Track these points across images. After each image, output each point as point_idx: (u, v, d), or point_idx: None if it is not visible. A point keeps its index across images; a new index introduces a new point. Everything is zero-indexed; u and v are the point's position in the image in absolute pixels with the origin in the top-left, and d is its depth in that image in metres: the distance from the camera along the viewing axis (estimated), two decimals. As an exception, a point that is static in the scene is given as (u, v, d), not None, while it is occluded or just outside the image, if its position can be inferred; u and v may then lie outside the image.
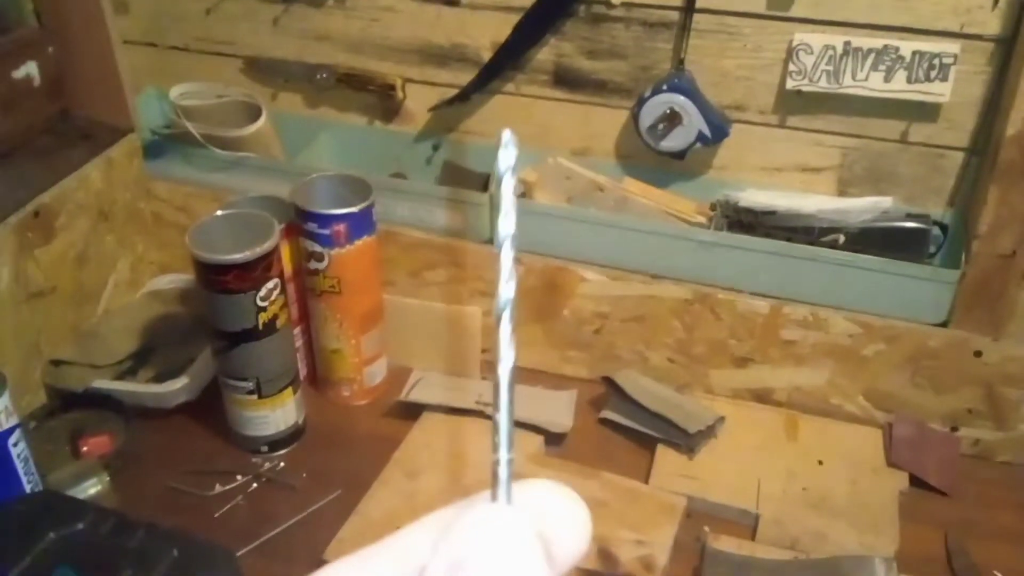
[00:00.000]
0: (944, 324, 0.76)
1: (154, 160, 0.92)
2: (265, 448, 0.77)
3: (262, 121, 0.90)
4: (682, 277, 0.81)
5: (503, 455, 0.19)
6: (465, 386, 0.83)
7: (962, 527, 0.71)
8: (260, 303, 0.72)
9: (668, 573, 0.66)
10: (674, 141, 0.81)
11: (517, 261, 0.21)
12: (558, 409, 0.80)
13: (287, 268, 0.79)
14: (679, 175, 0.85)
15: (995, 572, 0.66)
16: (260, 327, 0.72)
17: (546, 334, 0.86)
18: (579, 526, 0.19)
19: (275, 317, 0.73)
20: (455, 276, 0.86)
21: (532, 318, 0.86)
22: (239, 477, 0.74)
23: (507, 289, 0.20)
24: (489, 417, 0.78)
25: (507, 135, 0.20)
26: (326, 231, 0.76)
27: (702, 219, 0.83)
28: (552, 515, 0.19)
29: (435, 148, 0.92)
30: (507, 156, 0.20)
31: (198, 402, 0.80)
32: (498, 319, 0.20)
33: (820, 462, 0.75)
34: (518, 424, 0.77)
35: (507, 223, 0.20)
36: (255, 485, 0.74)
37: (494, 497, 0.19)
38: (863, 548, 0.66)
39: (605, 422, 0.80)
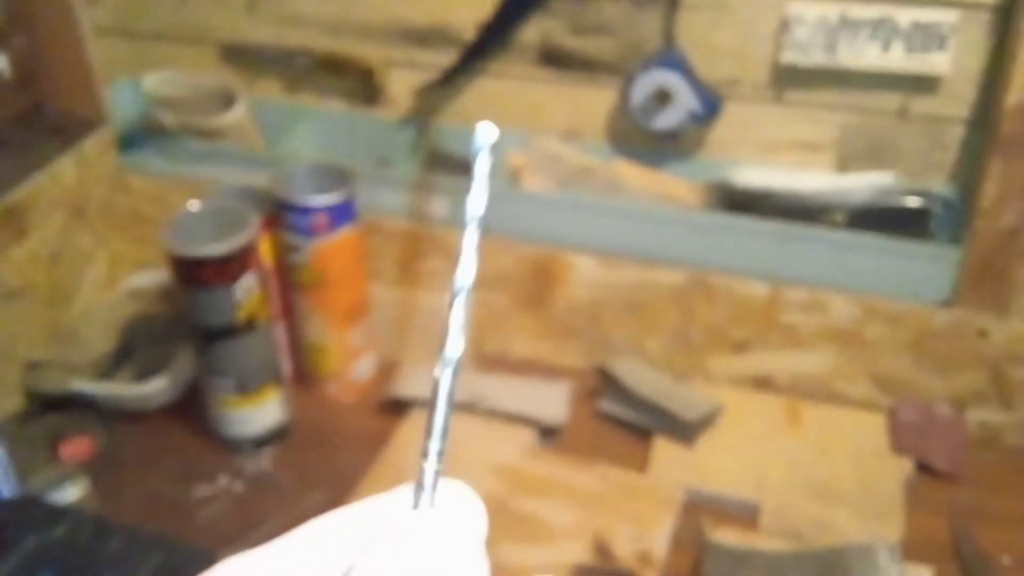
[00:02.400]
0: (948, 303, 0.76)
1: (129, 153, 0.91)
2: (249, 447, 0.76)
3: (239, 109, 0.89)
4: (677, 261, 0.80)
5: (431, 462, 0.19)
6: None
7: (969, 512, 0.70)
8: (238, 298, 0.71)
9: (667, 567, 0.65)
10: (665, 120, 0.80)
11: (481, 246, 0.20)
12: (552, 400, 0.79)
13: (267, 261, 0.78)
14: (672, 155, 0.84)
15: (1003, 556, 0.66)
16: (239, 323, 0.72)
17: (538, 323, 0.86)
18: (483, 523, 0.19)
19: (255, 312, 0.72)
20: (444, 266, 0.85)
21: (524, 307, 0.85)
22: (223, 478, 0.74)
23: (466, 274, 0.19)
24: (481, 411, 0.78)
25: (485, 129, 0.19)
26: (306, 222, 0.75)
27: (697, 201, 0.82)
28: (469, 515, 0.19)
29: (419, 133, 0.91)
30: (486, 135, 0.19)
31: (180, 402, 0.79)
32: (450, 304, 0.19)
33: (823, 449, 0.75)
34: (511, 417, 0.77)
35: (478, 202, 0.19)
36: (239, 486, 0.74)
37: (416, 504, 0.19)
38: (867, 536, 0.65)
39: (601, 413, 0.79)
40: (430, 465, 0.19)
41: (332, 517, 0.19)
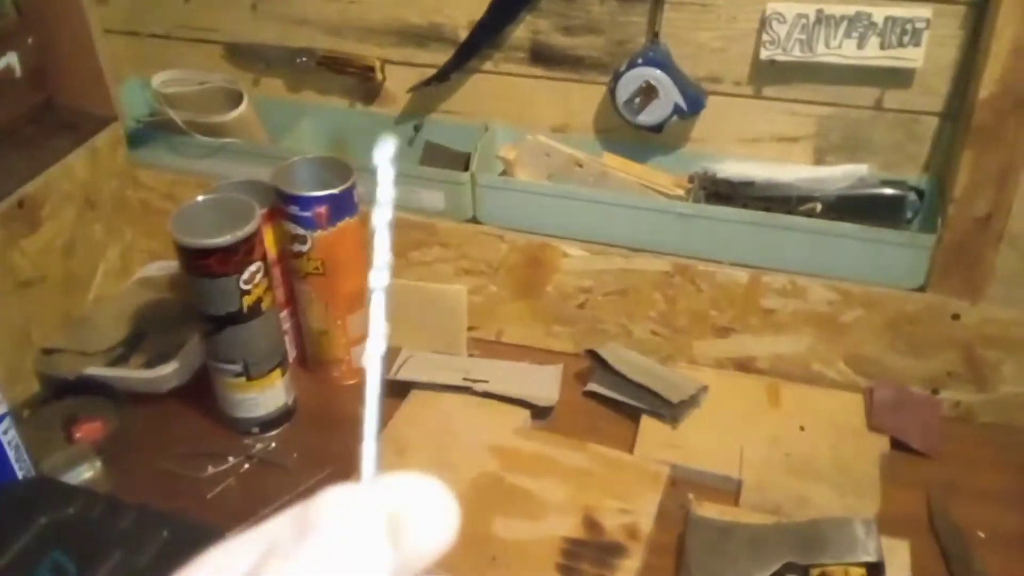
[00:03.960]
0: (922, 289, 0.75)
1: (139, 148, 0.90)
2: (256, 429, 0.76)
3: (244, 106, 0.88)
4: (662, 250, 0.79)
5: (368, 443, 0.19)
6: (452, 363, 0.81)
7: (944, 488, 0.69)
8: (244, 286, 0.70)
9: (653, 540, 0.64)
10: (651, 115, 0.79)
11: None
12: (544, 383, 0.78)
13: (272, 251, 0.77)
14: (657, 149, 0.83)
15: (978, 532, 0.65)
16: (245, 310, 0.71)
17: (531, 310, 0.85)
18: (440, 516, 0.18)
19: (260, 300, 0.71)
20: (440, 255, 0.84)
21: (516, 295, 0.84)
22: (231, 459, 0.73)
23: (377, 338, 0.19)
24: (477, 393, 0.77)
25: (385, 152, 0.19)
26: (308, 213, 0.74)
27: (681, 192, 0.81)
28: (413, 503, 0.18)
29: (416, 129, 0.89)
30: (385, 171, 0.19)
31: (189, 386, 0.78)
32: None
33: (802, 428, 0.74)
34: (506, 399, 0.76)
35: (382, 258, 0.19)
36: (247, 466, 0.73)
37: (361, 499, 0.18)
38: (845, 511, 0.64)
39: (590, 395, 0.78)
40: (367, 442, 0.19)
41: (286, 511, 0.18)
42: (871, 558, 0.57)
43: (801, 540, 0.60)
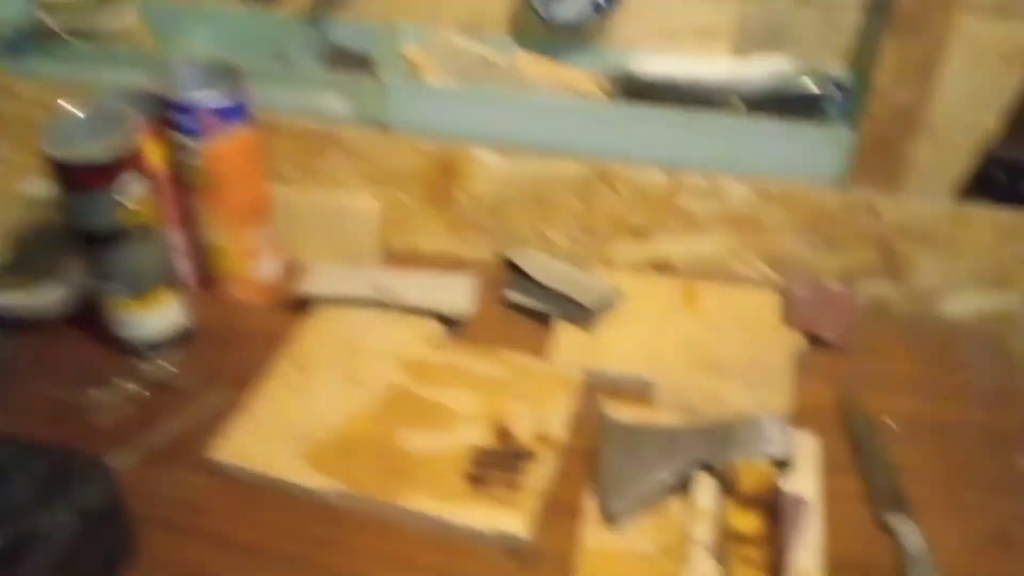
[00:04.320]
0: (841, 184, 0.72)
1: (15, 58, 0.82)
2: (149, 352, 0.71)
3: (127, 11, 0.80)
4: (579, 152, 0.75)
5: None
6: (361, 276, 0.77)
7: (856, 380, 0.68)
8: (121, 200, 0.64)
9: (568, 445, 0.62)
10: (566, 10, 0.74)
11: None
12: (456, 293, 0.75)
13: (160, 164, 0.71)
14: (573, 46, 0.78)
15: (885, 419, 0.64)
16: (124, 226, 0.65)
17: (444, 218, 0.81)
18: None
19: (140, 214, 0.66)
20: (344, 163, 0.79)
21: (428, 203, 0.80)
22: (123, 383, 0.68)
23: None
24: (386, 305, 0.73)
25: None
26: (193, 121, 0.68)
27: (598, 91, 0.77)
28: None
29: (319, 32, 0.83)
30: None
31: (78, 312, 0.72)
32: None
33: (717, 327, 0.72)
34: (417, 310, 0.72)
35: None
36: (140, 390, 0.68)
37: None
38: (758, 407, 0.63)
39: (506, 302, 0.75)
40: None
41: None
42: (777, 451, 0.56)
43: (711, 437, 0.58)
